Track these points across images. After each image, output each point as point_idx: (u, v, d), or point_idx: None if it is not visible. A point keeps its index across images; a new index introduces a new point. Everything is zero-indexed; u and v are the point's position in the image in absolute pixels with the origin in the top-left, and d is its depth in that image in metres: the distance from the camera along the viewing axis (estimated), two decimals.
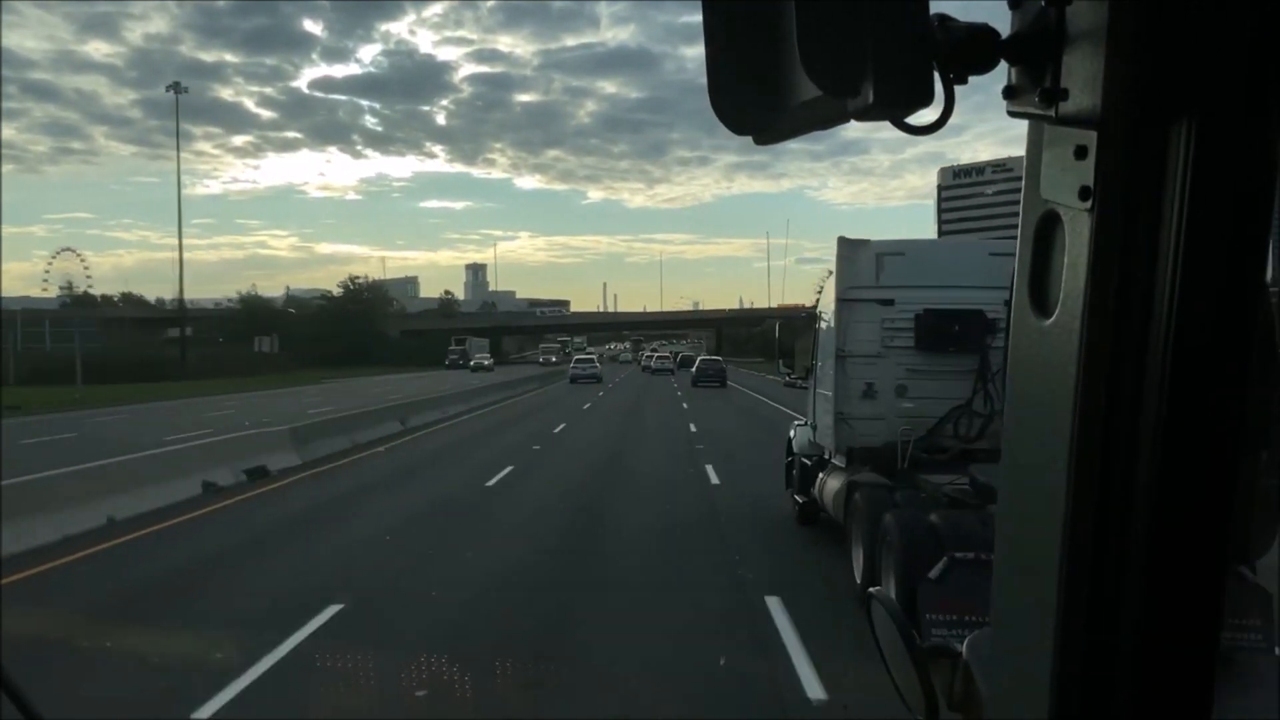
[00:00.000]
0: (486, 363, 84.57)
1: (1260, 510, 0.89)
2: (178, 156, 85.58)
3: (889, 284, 9.36)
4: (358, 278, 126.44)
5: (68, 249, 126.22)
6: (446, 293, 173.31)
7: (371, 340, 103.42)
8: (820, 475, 10.62)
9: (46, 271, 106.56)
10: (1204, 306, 0.72)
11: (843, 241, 9.58)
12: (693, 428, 26.07)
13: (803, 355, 11.81)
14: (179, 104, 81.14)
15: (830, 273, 10.38)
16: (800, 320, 13.44)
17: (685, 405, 36.55)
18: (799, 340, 12.23)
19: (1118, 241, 0.73)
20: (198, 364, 73.34)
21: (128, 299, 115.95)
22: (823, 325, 10.50)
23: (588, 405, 37.79)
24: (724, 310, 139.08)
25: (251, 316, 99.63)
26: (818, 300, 11.71)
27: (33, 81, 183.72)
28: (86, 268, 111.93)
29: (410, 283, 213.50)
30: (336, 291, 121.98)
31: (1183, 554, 0.75)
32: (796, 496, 11.79)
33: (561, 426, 26.79)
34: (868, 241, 9.65)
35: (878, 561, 7.78)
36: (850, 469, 9.47)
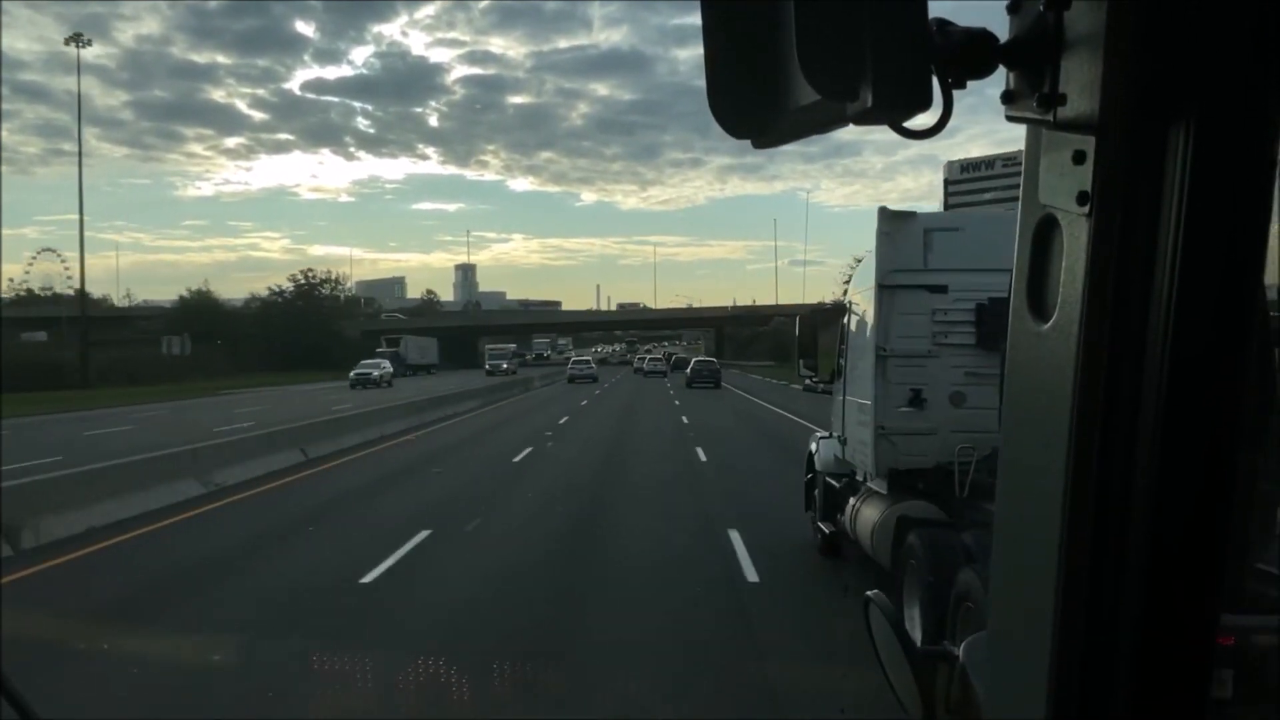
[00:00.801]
0: (377, 374, 59.21)
1: (1260, 513, 0.89)
2: (79, 126, 76.89)
3: (941, 266, 7.60)
4: (311, 271, 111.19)
5: (48, 249, 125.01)
6: (428, 292, 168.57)
7: (331, 341, 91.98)
8: (851, 501, 8.72)
9: (27, 272, 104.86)
10: (1202, 310, 0.72)
11: (884, 214, 7.78)
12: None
13: (827, 356, 9.95)
14: (80, 59, 72.85)
15: (858, 260, 9.00)
16: (825, 313, 11.40)
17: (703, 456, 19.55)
18: (822, 337, 10.34)
19: (1115, 246, 0.73)
20: (110, 367, 64.81)
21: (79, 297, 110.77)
22: (854, 318, 8.75)
23: (523, 455, 19.72)
24: (726, 307, 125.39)
25: (195, 316, 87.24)
26: (845, 289, 9.98)
27: (23, 83, 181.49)
28: (67, 268, 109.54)
29: (397, 283, 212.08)
30: (288, 287, 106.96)
31: (1180, 557, 0.75)
32: (820, 524, 9.86)
33: (475, 523, 12.25)
34: (914, 213, 7.90)
35: (954, 631, 5.98)
36: (894, 496, 7.74)
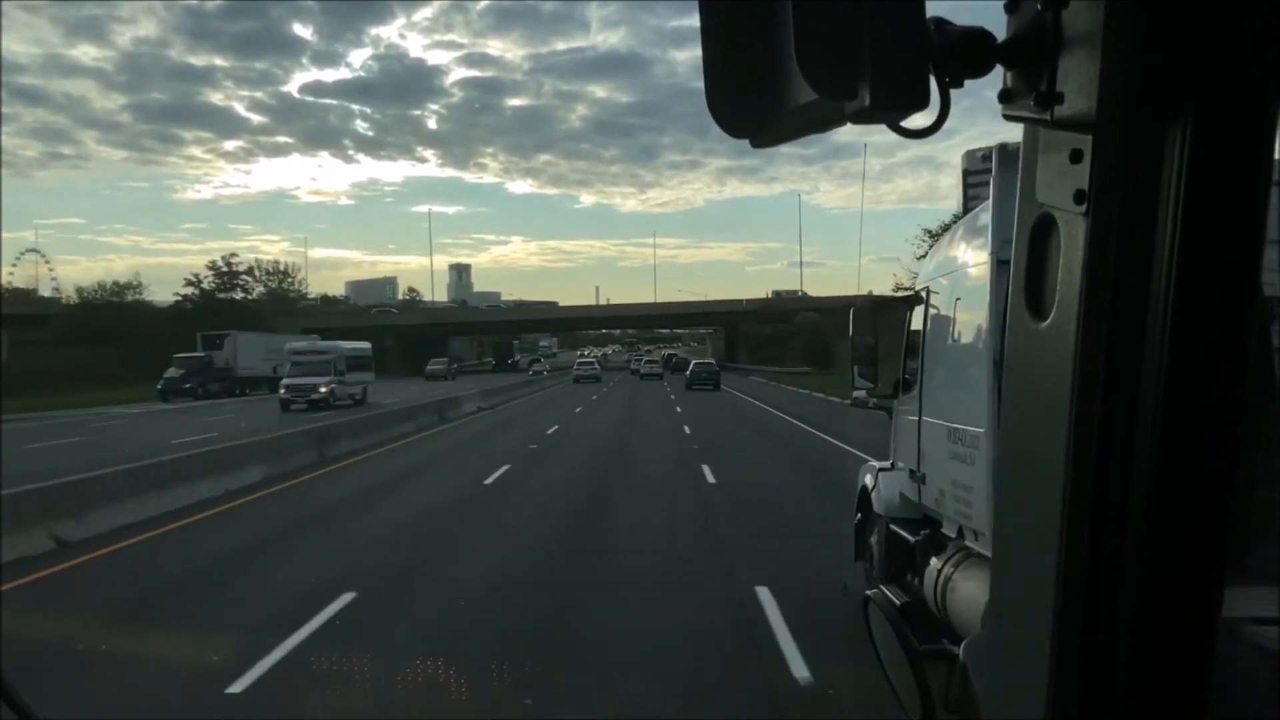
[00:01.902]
0: None
1: (1260, 514, 0.89)
2: None
3: None
4: (235, 256, 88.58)
5: (32, 250, 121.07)
6: (411, 290, 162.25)
7: None
8: (934, 562, 6.02)
9: (11, 272, 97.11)
10: (1199, 310, 0.72)
11: (1004, 155, 5.36)
12: None
13: (889, 362, 7.67)
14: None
15: (929, 234, 6.35)
16: (889, 305, 8.86)
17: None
18: (883, 337, 7.86)
19: (1113, 245, 0.73)
20: None
21: (20, 295, 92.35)
22: (935, 312, 6.48)
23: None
24: (741, 300, 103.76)
25: (105, 315, 71.14)
26: (917, 275, 7.79)
27: (21, 86, 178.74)
28: (51, 270, 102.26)
29: (389, 283, 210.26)
30: (206, 278, 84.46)
31: (1179, 556, 0.75)
32: (882, 587, 6.46)
33: None
34: None
35: None
36: None
